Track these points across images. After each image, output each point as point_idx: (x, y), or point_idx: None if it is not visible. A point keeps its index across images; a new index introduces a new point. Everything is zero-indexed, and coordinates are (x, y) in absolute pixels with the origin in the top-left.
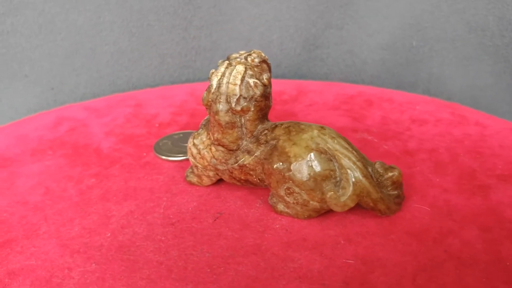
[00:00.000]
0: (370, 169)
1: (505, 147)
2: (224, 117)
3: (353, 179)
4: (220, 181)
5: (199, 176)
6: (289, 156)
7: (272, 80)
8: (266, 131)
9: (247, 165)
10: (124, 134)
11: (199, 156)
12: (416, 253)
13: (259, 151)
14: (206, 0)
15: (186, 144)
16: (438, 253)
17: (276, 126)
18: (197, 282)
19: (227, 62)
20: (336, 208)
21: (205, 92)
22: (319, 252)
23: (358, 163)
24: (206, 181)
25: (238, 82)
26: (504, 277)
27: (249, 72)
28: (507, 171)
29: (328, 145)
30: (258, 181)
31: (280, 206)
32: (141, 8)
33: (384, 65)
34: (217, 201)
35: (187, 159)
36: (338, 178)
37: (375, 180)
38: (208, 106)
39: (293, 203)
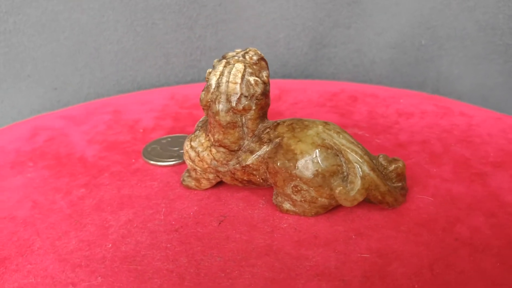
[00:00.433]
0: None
1: (493, 135)
2: (225, 117)
3: (361, 173)
4: (218, 183)
5: (197, 180)
6: (296, 154)
7: None
8: (268, 130)
9: (250, 165)
10: (107, 141)
11: (198, 158)
12: (429, 243)
13: (262, 150)
14: None
15: (175, 148)
16: (449, 241)
17: (278, 124)
18: None
19: (225, 60)
20: (346, 203)
21: (203, 92)
22: (332, 248)
23: (365, 156)
24: (205, 184)
25: (239, 80)
26: None
27: (249, 70)
28: (499, 158)
29: (334, 140)
30: (261, 181)
31: (286, 205)
32: (146, 6)
33: (392, 64)
34: (219, 204)
35: (180, 163)
36: (345, 173)
37: (381, 173)
38: (207, 106)
39: (301, 201)
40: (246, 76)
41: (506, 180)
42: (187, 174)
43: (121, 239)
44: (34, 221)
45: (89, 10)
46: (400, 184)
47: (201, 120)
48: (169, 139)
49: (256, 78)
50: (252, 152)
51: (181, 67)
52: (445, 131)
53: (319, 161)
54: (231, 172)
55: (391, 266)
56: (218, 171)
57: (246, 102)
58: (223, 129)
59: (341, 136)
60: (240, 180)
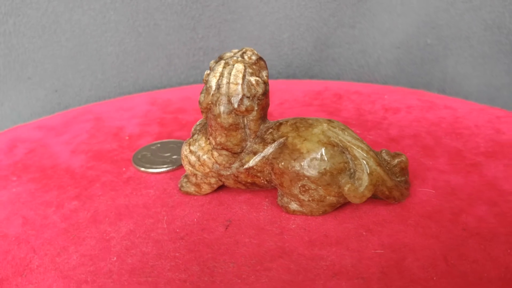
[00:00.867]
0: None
1: (481, 126)
2: (227, 119)
3: (368, 169)
4: (218, 188)
5: (197, 185)
6: (302, 153)
7: None
8: (271, 130)
9: (254, 167)
10: (92, 150)
11: (199, 163)
12: (438, 234)
13: (266, 151)
14: None
15: (167, 154)
16: (458, 232)
17: (281, 123)
18: None
19: (224, 61)
20: (355, 200)
21: (202, 94)
22: (345, 246)
23: (370, 152)
24: (206, 189)
25: (240, 81)
26: None
27: (249, 70)
28: (490, 148)
29: (339, 137)
30: (266, 182)
31: (293, 206)
32: (148, 7)
33: (398, 65)
34: (222, 209)
35: (174, 169)
36: (352, 170)
37: (386, 168)
38: (208, 109)
39: (308, 200)
40: (246, 77)
41: (501, 169)
42: (185, 179)
43: (125, 251)
44: (27, 238)
45: (90, 11)
46: (404, 178)
47: (198, 123)
48: (159, 145)
49: (257, 78)
50: (255, 153)
51: (183, 68)
52: (433, 124)
53: (327, 159)
54: (234, 175)
55: (407, 260)
56: (220, 175)
57: (249, 103)
58: (225, 131)
59: (346, 133)
60: (243, 182)
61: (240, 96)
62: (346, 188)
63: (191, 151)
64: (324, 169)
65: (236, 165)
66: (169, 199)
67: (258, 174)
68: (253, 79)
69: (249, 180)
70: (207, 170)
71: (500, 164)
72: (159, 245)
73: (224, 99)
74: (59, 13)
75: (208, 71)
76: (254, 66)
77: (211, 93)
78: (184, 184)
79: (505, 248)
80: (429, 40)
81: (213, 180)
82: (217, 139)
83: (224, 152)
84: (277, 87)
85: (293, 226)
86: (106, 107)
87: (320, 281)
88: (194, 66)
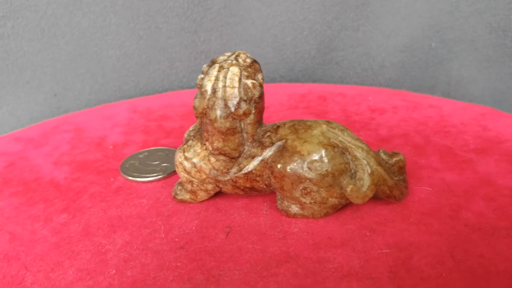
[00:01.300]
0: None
1: (467, 124)
2: (224, 123)
3: (369, 169)
4: (214, 194)
5: (193, 192)
6: (303, 155)
7: None
8: (268, 133)
9: (253, 171)
10: (76, 161)
11: (195, 169)
12: (441, 231)
13: (265, 154)
14: (216, 1)
15: (156, 162)
16: (460, 228)
17: (279, 126)
18: None
19: (218, 65)
20: (357, 201)
21: (197, 99)
22: (350, 247)
23: (371, 152)
24: (202, 196)
25: (236, 84)
26: None
27: (244, 73)
28: (479, 145)
29: (339, 138)
30: (265, 186)
31: (294, 209)
32: (149, 10)
33: (402, 68)
34: (220, 215)
35: (165, 177)
36: (352, 171)
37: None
38: (203, 114)
39: (310, 203)
40: (243, 80)
41: (492, 165)
42: (179, 187)
43: (123, 263)
44: (17, 255)
45: (90, 13)
46: (402, 177)
47: (191, 129)
48: (146, 153)
49: (254, 81)
50: (253, 157)
51: (185, 72)
52: (421, 123)
53: (328, 161)
54: (232, 180)
55: (414, 258)
56: (218, 181)
57: (246, 106)
58: (222, 136)
59: (345, 133)
60: (242, 188)
61: (237, 99)
62: (348, 189)
63: (186, 158)
64: (326, 170)
65: (234, 170)
66: (164, 208)
67: (257, 179)
68: (249, 82)
69: (247, 185)
70: (204, 176)
71: (491, 160)
72: (159, 256)
73: (220, 103)
74: (59, 15)
75: (202, 76)
76: (249, 69)
77: (207, 98)
78: (178, 192)
79: (508, 242)
80: (434, 43)
81: (210, 187)
82: (214, 144)
83: (222, 157)
84: None
85: (295, 229)
86: (84, 117)
87: (330, 283)
88: (195, 69)
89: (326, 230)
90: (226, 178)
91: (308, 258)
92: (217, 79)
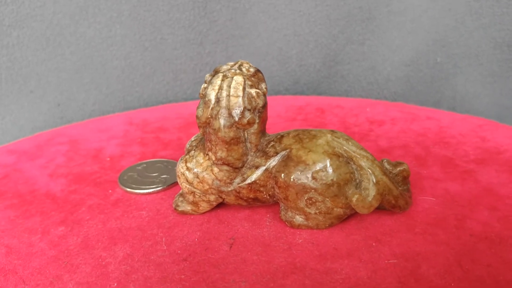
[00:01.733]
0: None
1: (466, 135)
2: (228, 133)
3: (374, 179)
4: (215, 206)
5: (194, 204)
6: (308, 164)
7: None
8: (272, 143)
9: (257, 181)
10: (72, 173)
11: (197, 180)
12: (447, 241)
13: (268, 164)
14: (222, 14)
15: (154, 174)
16: (466, 237)
17: (282, 136)
18: None
19: (222, 74)
20: (363, 211)
21: (200, 109)
22: (357, 258)
23: (375, 161)
24: (204, 207)
25: (240, 93)
26: None
27: (248, 82)
28: (479, 155)
29: (344, 147)
30: (268, 197)
31: (298, 220)
32: (155, 21)
33: (408, 82)
34: (222, 227)
35: (165, 189)
36: (357, 180)
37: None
38: (207, 123)
39: (315, 213)
40: (246, 89)
41: (493, 175)
42: (180, 198)
43: (125, 276)
44: (14, 268)
45: (96, 24)
46: (406, 186)
47: (193, 139)
48: (144, 165)
49: (257, 90)
50: (257, 167)
51: (190, 83)
52: (420, 135)
53: (333, 170)
54: (235, 191)
55: (421, 268)
56: (221, 192)
57: (250, 116)
58: (226, 146)
59: (350, 143)
60: (245, 198)
61: (241, 108)
62: (354, 199)
63: (188, 168)
64: (331, 180)
65: (237, 180)
66: (165, 220)
67: (261, 189)
68: (253, 91)
69: (251, 196)
70: (207, 187)
71: (492, 170)
72: (161, 268)
73: (224, 112)
74: (64, 25)
75: (205, 85)
76: (253, 78)
77: (210, 107)
78: (179, 204)
79: None
80: (439, 58)
81: (212, 198)
82: (218, 154)
83: (225, 167)
84: None
85: (300, 240)
86: (79, 129)
87: None
88: (200, 81)
89: (331, 240)
90: (229, 189)
91: (314, 269)
92: (220, 88)
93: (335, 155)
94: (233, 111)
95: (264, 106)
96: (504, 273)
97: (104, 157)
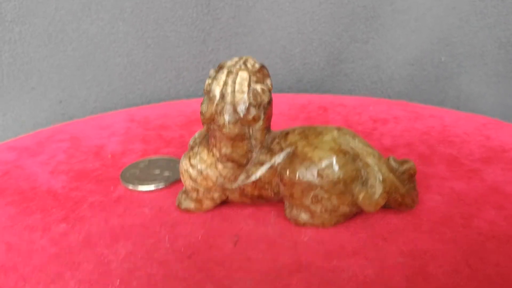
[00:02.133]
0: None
1: (470, 134)
2: (233, 129)
3: (381, 177)
4: (219, 203)
5: (198, 201)
6: (314, 161)
7: None
8: (277, 140)
9: (262, 178)
10: (73, 170)
11: (201, 177)
12: (454, 240)
13: (273, 161)
14: (226, 11)
15: (157, 171)
16: (473, 236)
17: (288, 133)
18: None
19: (227, 70)
20: (369, 208)
21: (204, 104)
22: (363, 256)
23: (382, 159)
24: (207, 205)
25: (245, 89)
26: None
27: (253, 78)
28: (484, 154)
29: (350, 144)
30: (273, 195)
31: (303, 217)
32: (157, 18)
33: (412, 81)
34: (226, 225)
35: (167, 186)
36: (364, 178)
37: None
38: (211, 119)
39: (321, 211)
40: (252, 85)
41: (499, 174)
42: (184, 196)
43: (128, 274)
44: (15, 266)
45: (99, 20)
46: (412, 185)
47: (196, 136)
48: (147, 162)
49: (263, 86)
50: (262, 164)
51: (192, 81)
52: (424, 133)
53: (339, 167)
54: (240, 188)
55: (429, 266)
56: (225, 189)
57: (255, 112)
58: (231, 142)
59: (356, 140)
60: (250, 196)
61: (246, 104)
62: (360, 196)
63: (191, 165)
64: (338, 177)
65: (242, 177)
66: (168, 217)
67: (266, 186)
68: (258, 87)
69: (255, 193)
70: (211, 184)
71: (497, 168)
72: (165, 266)
73: (229, 108)
74: (67, 22)
75: (209, 80)
76: (258, 74)
77: (215, 103)
78: (183, 201)
79: None
80: (443, 57)
81: (216, 195)
82: (222, 151)
83: (230, 164)
84: None
85: (305, 238)
86: (80, 126)
87: None
88: (203, 79)
89: (337, 239)
90: (234, 186)
91: (321, 268)
92: (225, 84)
93: (341, 152)
94: (238, 107)
95: (270, 102)
96: None
97: (105, 154)
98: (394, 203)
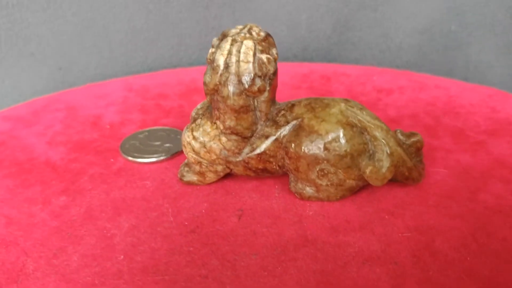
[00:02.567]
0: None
1: (476, 105)
2: (237, 101)
3: (388, 150)
4: (223, 176)
5: (201, 174)
6: (321, 134)
7: None
8: (283, 112)
9: (267, 151)
10: (72, 141)
11: (204, 150)
12: (461, 214)
13: (279, 134)
14: None
15: (157, 143)
16: (480, 210)
17: (294, 105)
18: None
19: (231, 38)
20: (376, 183)
21: (207, 75)
22: (370, 231)
23: (390, 132)
24: (210, 177)
25: (251, 59)
26: None
27: (259, 47)
28: (490, 126)
29: (358, 117)
30: (277, 168)
31: (308, 191)
32: None
33: (420, 51)
34: (230, 198)
35: (168, 158)
36: (371, 151)
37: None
38: (214, 90)
39: (327, 185)
40: (257, 54)
41: (505, 147)
42: (186, 168)
43: (132, 248)
44: (15, 240)
45: None
46: (419, 158)
47: (199, 107)
48: (146, 133)
49: (268, 56)
50: (267, 137)
51: (195, 48)
52: (429, 104)
53: (346, 141)
54: (244, 161)
55: (436, 242)
56: (228, 162)
57: (261, 83)
58: (235, 114)
59: (364, 112)
60: (254, 169)
61: (251, 75)
62: (367, 170)
63: (194, 137)
64: (345, 151)
65: (246, 150)
66: (170, 190)
67: (271, 159)
68: (264, 56)
69: (260, 166)
70: (214, 157)
71: (504, 141)
72: (169, 240)
73: (233, 79)
74: None
75: (213, 49)
76: (263, 43)
77: (219, 73)
78: (185, 174)
79: None
80: (453, 27)
81: (219, 168)
82: (226, 123)
83: (234, 136)
84: None
85: (311, 212)
86: (76, 95)
87: (352, 268)
88: (206, 46)
89: (342, 213)
90: (238, 159)
91: (326, 242)
92: (230, 53)
93: (348, 125)
94: (243, 78)
95: (275, 73)
96: None
97: (103, 124)
98: (400, 177)
